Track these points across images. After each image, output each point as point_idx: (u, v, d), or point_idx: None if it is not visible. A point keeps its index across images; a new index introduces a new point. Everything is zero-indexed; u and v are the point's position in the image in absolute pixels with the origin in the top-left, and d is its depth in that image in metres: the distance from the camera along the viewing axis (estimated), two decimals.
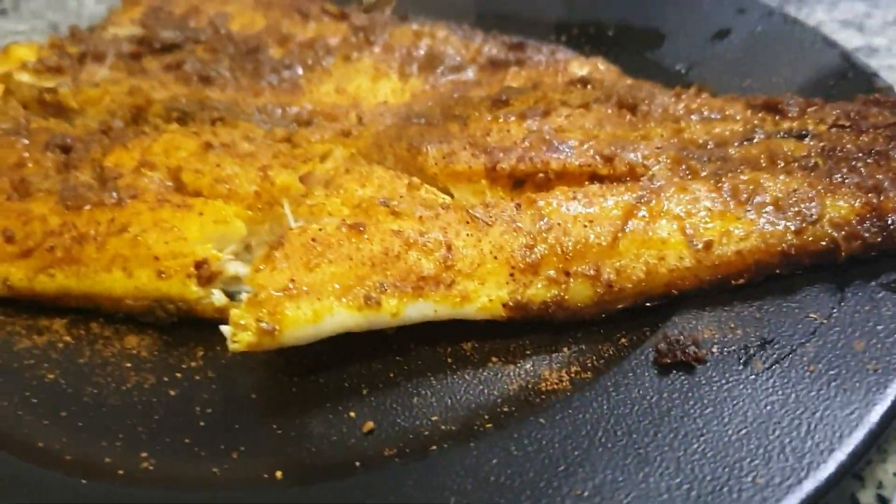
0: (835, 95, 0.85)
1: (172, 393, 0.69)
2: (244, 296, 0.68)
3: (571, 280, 0.67)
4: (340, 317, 0.65)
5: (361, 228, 0.69)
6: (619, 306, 0.68)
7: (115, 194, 0.79)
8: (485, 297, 0.68)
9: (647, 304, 0.69)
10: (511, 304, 0.67)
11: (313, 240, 0.68)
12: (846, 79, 0.88)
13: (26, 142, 0.89)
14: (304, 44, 1.04)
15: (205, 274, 0.73)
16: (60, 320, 0.78)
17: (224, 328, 0.66)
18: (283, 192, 0.78)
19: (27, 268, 0.78)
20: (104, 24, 1.14)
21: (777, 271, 0.68)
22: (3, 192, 0.83)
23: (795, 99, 0.80)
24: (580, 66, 0.93)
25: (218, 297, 0.75)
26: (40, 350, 0.75)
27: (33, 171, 0.85)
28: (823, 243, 0.66)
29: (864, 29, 1.15)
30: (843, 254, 0.66)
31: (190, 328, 0.75)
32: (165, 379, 0.71)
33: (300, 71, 1.00)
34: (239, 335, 0.64)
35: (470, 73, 0.97)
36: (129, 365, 0.73)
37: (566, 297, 0.67)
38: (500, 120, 0.83)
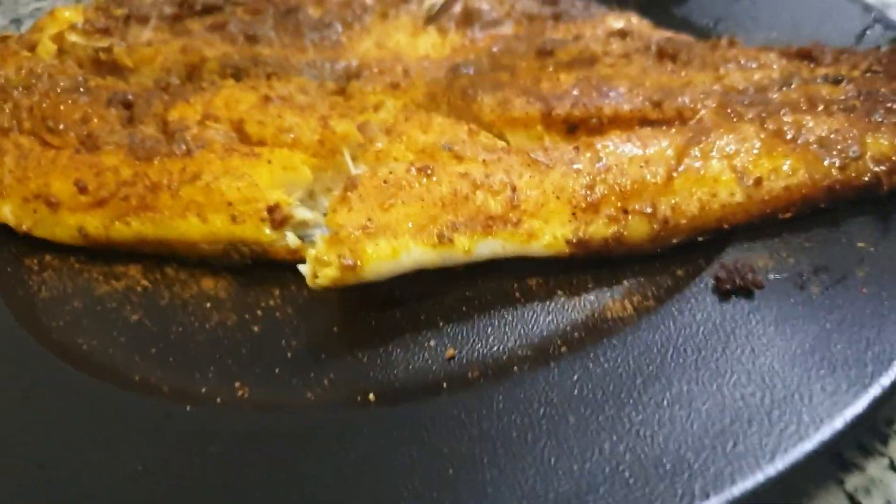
0: (861, 46, 0.90)
1: (256, 329, 0.73)
2: (317, 237, 0.72)
3: (630, 217, 0.72)
4: (416, 253, 0.69)
5: (429, 171, 0.73)
6: (674, 241, 0.73)
7: (183, 145, 0.83)
8: (549, 235, 0.72)
9: (699, 239, 0.73)
10: (574, 240, 0.72)
11: (385, 182, 0.72)
12: (870, 31, 0.92)
13: (87, 99, 0.92)
14: (341, 3, 1.07)
15: (277, 217, 0.77)
16: (135, 266, 0.82)
17: (302, 267, 0.70)
18: (344, 140, 0.81)
19: (102, 216, 0.81)
20: None
21: (822, 205, 0.72)
22: (71, 145, 0.86)
23: (828, 48, 0.85)
24: (616, 20, 0.97)
25: (291, 239, 0.78)
26: (120, 294, 0.79)
27: (99, 126, 0.88)
28: (866, 178, 0.71)
29: None
30: (884, 187, 0.71)
31: (263, 270, 0.79)
32: (247, 317, 0.75)
33: (340, 29, 1.03)
34: (322, 271, 0.68)
35: (507, 28, 1.01)
36: (209, 305, 0.77)
37: (625, 233, 0.72)
38: (549, 70, 0.87)
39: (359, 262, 0.67)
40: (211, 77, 0.95)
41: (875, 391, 0.56)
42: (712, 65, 0.85)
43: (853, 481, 0.60)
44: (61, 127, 0.89)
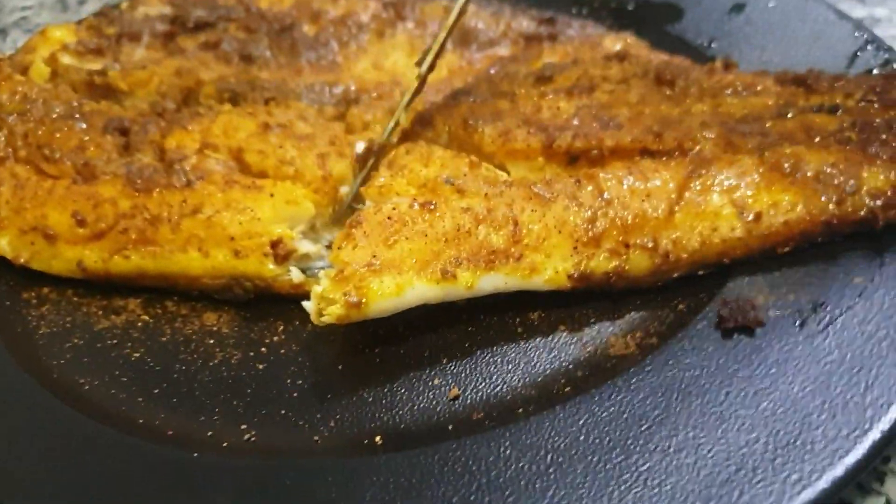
0: (854, 67, 0.91)
1: (260, 367, 0.74)
2: (320, 272, 0.72)
3: (631, 251, 0.72)
4: (420, 289, 0.70)
5: (432, 206, 0.73)
6: (675, 274, 0.74)
7: (183, 176, 0.83)
8: (551, 269, 0.72)
9: (700, 273, 0.74)
10: (575, 275, 0.72)
11: (389, 218, 0.72)
12: (862, 53, 0.93)
13: (83, 125, 0.91)
14: (336, 21, 1.07)
15: (281, 252, 0.77)
16: (135, 300, 0.82)
17: (306, 304, 0.70)
18: (342, 181, 0.82)
19: (101, 250, 0.81)
20: (133, 3, 1.14)
21: (819, 239, 0.73)
22: (68, 175, 0.86)
23: (822, 74, 0.85)
24: (613, 42, 0.97)
25: (295, 273, 0.78)
26: (120, 330, 0.79)
27: (96, 155, 0.87)
28: (862, 213, 0.72)
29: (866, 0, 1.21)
30: (880, 222, 0.72)
31: (266, 304, 0.79)
32: (251, 354, 0.75)
33: (336, 48, 1.03)
34: (328, 309, 0.68)
35: (504, 49, 1.01)
36: (212, 341, 0.77)
37: (626, 267, 0.72)
38: (548, 97, 0.87)
39: (364, 300, 0.68)
40: (207, 101, 0.95)
41: (874, 436, 0.57)
42: (710, 92, 0.85)
43: None
44: (57, 155, 0.88)
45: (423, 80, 0.83)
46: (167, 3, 1.15)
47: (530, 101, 0.87)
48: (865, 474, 0.62)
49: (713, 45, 1.02)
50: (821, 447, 0.57)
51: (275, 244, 0.77)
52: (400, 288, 0.69)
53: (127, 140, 0.90)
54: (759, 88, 0.86)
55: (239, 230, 0.78)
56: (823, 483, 0.55)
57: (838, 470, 0.56)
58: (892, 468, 0.64)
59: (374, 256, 0.69)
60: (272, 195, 0.80)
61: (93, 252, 0.81)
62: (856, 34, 0.96)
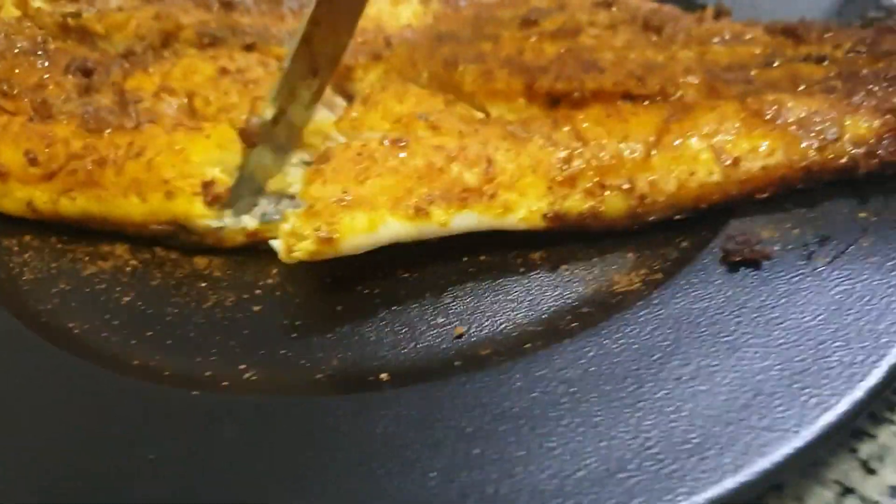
0: (844, 14, 0.91)
1: (256, 308, 0.72)
2: (288, 212, 0.70)
3: (607, 192, 0.71)
4: (393, 226, 0.68)
5: (403, 143, 0.72)
6: (651, 218, 0.73)
7: (134, 118, 0.80)
8: (525, 209, 0.71)
9: (677, 217, 0.73)
10: (550, 215, 0.71)
11: (359, 154, 0.71)
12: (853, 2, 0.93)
13: (46, 63, 0.88)
14: None
15: (210, 192, 0.74)
16: (122, 245, 0.80)
17: (274, 242, 0.69)
18: None
19: (50, 190, 0.79)
20: None
21: (799, 186, 0.73)
22: (25, 112, 0.83)
23: (813, 24, 0.85)
24: None
25: (248, 220, 0.76)
26: (108, 275, 0.77)
27: (54, 93, 0.85)
28: (844, 160, 0.71)
29: None
30: (861, 170, 0.71)
31: (258, 248, 0.77)
32: (245, 296, 0.73)
33: None
34: (299, 245, 0.66)
35: None
36: (204, 284, 0.75)
37: (602, 208, 0.72)
38: (532, 39, 0.86)
39: (336, 235, 0.66)
40: (185, 47, 0.91)
41: (890, 361, 0.57)
42: (697, 39, 0.84)
43: (866, 449, 0.61)
44: (16, 91, 0.86)
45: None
46: None
47: (514, 44, 0.86)
48: (878, 404, 0.62)
49: None
50: (837, 372, 0.57)
51: (206, 185, 0.75)
52: (373, 224, 0.68)
53: (89, 81, 0.87)
54: (747, 37, 0.86)
55: (172, 172, 0.75)
56: (844, 405, 0.55)
57: (857, 393, 0.55)
58: None
59: (345, 192, 0.68)
60: (208, 136, 0.78)
61: (43, 192, 0.79)
62: None
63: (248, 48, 0.89)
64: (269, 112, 0.76)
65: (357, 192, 0.68)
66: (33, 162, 0.78)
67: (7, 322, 0.71)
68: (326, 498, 0.54)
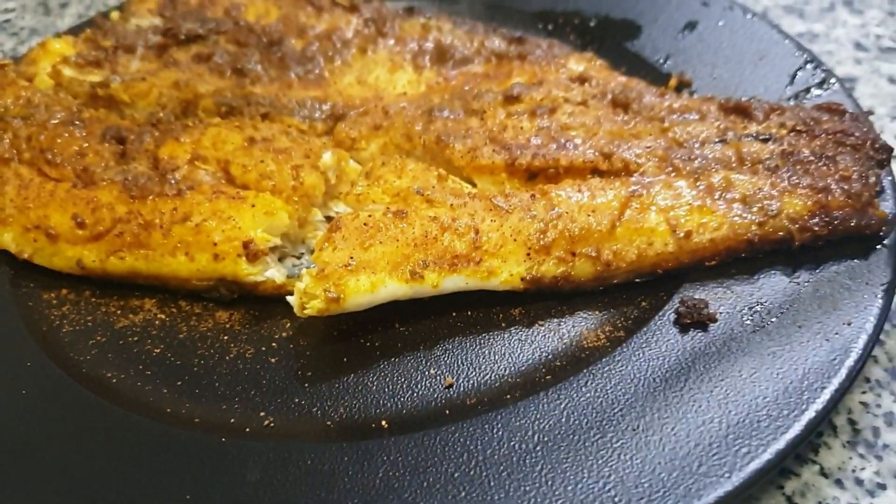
0: (794, 85, 1.03)
1: (273, 360, 0.82)
2: (303, 271, 0.81)
3: (577, 259, 0.82)
4: (392, 287, 0.80)
5: (404, 215, 0.82)
6: (615, 281, 0.84)
7: (174, 186, 0.90)
8: (506, 272, 0.82)
9: (637, 280, 0.84)
10: (528, 277, 0.82)
11: (365, 224, 0.81)
12: (802, 71, 1.04)
13: (83, 132, 0.98)
14: (321, 36, 1.14)
15: (252, 251, 0.85)
16: (150, 300, 0.90)
17: (290, 298, 0.80)
18: (313, 189, 0.91)
19: (98, 250, 0.89)
20: (125, 14, 1.20)
21: (743, 255, 0.83)
22: (69, 179, 0.93)
23: (761, 103, 0.95)
24: (577, 62, 1.06)
25: (276, 274, 0.87)
26: (139, 328, 0.87)
27: (94, 161, 0.94)
28: (781, 234, 0.82)
29: (805, 15, 1.33)
30: (796, 242, 0.82)
31: (272, 303, 0.87)
32: (263, 348, 0.83)
33: (322, 63, 1.11)
34: (310, 303, 0.78)
35: (477, 66, 1.10)
36: (226, 338, 0.85)
37: (572, 273, 0.82)
38: (514, 116, 0.97)
39: (342, 296, 0.77)
40: (205, 114, 1.02)
41: (809, 415, 0.68)
42: (658, 116, 0.95)
43: (791, 486, 0.72)
44: (59, 160, 0.95)
45: None
46: (157, 15, 1.21)
47: (497, 120, 0.96)
48: (803, 446, 0.73)
49: (668, 62, 1.12)
50: (765, 425, 0.68)
51: (246, 244, 0.85)
52: (374, 286, 0.79)
53: (123, 148, 0.97)
54: (703, 113, 0.96)
55: (221, 237, 0.85)
56: (768, 455, 0.66)
57: (780, 443, 0.66)
58: (824, 441, 0.75)
59: (352, 258, 0.79)
60: (253, 206, 0.88)
61: (91, 252, 0.89)
62: (796, 53, 1.07)
63: (263, 117, 0.99)
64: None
65: (361, 257, 0.79)
66: (81, 225, 0.88)
67: (53, 373, 0.81)
68: None
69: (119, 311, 0.89)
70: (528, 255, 0.82)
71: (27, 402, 0.78)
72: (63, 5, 1.56)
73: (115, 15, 1.23)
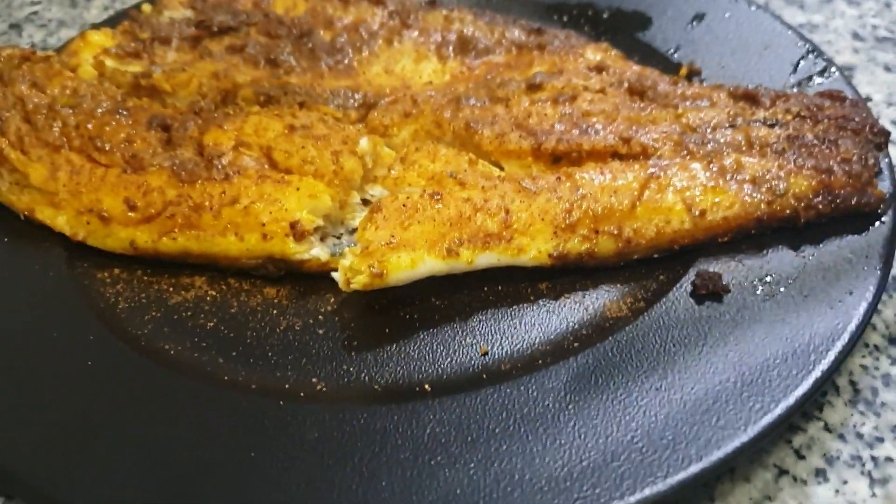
0: (796, 74, 1.09)
1: (321, 332, 0.88)
2: (346, 250, 0.89)
3: (600, 237, 0.89)
4: (430, 264, 0.86)
5: (438, 196, 0.89)
6: (635, 256, 0.90)
7: (221, 170, 0.97)
8: (535, 250, 0.89)
9: (656, 255, 0.91)
10: (555, 254, 0.89)
11: (404, 205, 0.88)
12: (804, 61, 1.11)
13: (128, 120, 1.04)
14: (349, 27, 1.20)
15: (299, 231, 0.91)
16: (200, 278, 0.96)
17: (335, 275, 0.87)
18: (352, 174, 0.97)
19: (150, 232, 0.95)
20: (158, 7, 1.26)
21: (752, 231, 0.90)
22: (118, 165, 0.99)
23: (768, 91, 1.02)
24: (594, 52, 1.13)
25: (321, 253, 0.93)
26: (192, 303, 0.93)
27: (142, 148, 1.01)
28: (788, 212, 0.89)
29: (805, 7, 1.39)
30: (801, 220, 0.89)
31: (316, 279, 0.93)
32: (310, 321, 0.90)
33: (351, 53, 1.17)
34: (356, 278, 0.84)
35: (499, 56, 1.16)
36: (275, 311, 0.91)
37: (596, 249, 0.89)
38: (537, 104, 1.03)
39: (385, 271, 0.84)
40: (246, 104, 1.08)
41: (816, 374, 0.75)
42: (672, 103, 1.01)
43: (798, 440, 0.80)
44: (107, 147, 1.01)
45: None
46: (188, 7, 1.27)
47: (522, 107, 1.03)
48: (809, 404, 0.80)
49: (678, 53, 1.19)
50: (776, 384, 0.75)
51: (293, 225, 0.91)
52: (413, 262, 0.85)
53: (169, 135, 1.03)
54: (714, 100, 1.02)
55: (269, 218, 0.92)
56: (779, 410, 0.73)
57: (790, 400, 0.74)
58: (828, 400, 0.82)
59: (393, 236, 0.86)
60: (298, 189, 0.94)
61: (143, 233, 0.95)
62: (799, 43, 1.14)
63: (300, 105, 1.06)
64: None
65: (402, 236, 0.86)
66: (133, 208, 0.94)
67: (115, 346, 0.87)
68: (391, 487, 0.71)
69: (171, 289, 0.95)
70: (555, 233, 0.88)
71: (94, 373, 0.84)
72: None
73: (146, 7, 1.29)
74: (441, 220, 0.88)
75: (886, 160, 0.94)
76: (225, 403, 0.80)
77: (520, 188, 0.90)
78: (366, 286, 0.85)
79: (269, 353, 0.87)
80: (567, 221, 0.88)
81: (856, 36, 1.33)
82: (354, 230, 0.96)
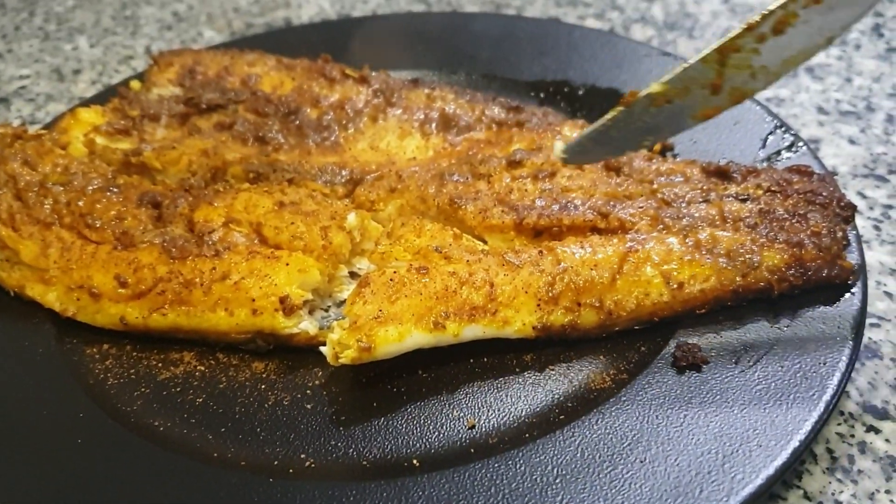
0: (765, 149, 1.14)
1: (309, 406, 0.90)
2: (333, 323, 0.90)
3: (582, 309, 0.91)
4: (417, 337, 0.88)
5: (425, 271, 0.91)
6: (616, 328, 0.93)
7: (211, 247, 0.99)
8: (519, 322, 0.91)
9: (636, 328, 0.93)
10: (538, 326, 0.91)
11: (391, 280, 0.90)
12: (772, 136, 1.16)
13: (119, 197, 1.06)
14: (335, 105, 1.24)
15: (288, 305, 0.93)
16: (189, 353, 0.97)
17: (323, 349, 0.88)
18: (340, 248, 0.99)
19: (141, 308, 0.96)
20: (147, 84, 1.29)
21: (728, 303, 0.93)
22: (109, 242, 1.01)
23: (739, 166, 1.06)
24: (570, 129, 1.17)
25: (310, 326, 0.95)
26: (181, 379, 0.94)
27: (133, 225, 1.03)
28: (762, 284, 0.92)
29: None
30: (775, 292, 0.92)
31: (304, 353, 0.95)
32: (298, 395, 0.91)
33: (337, 130, 1.20)
34: (344, 353, 0.86)
35: (479, 133, 1.20)
36: (263, 387, 0.92)
37: (578, 321, 0.92)
38: (518, 180, 1.06)
39: (373, 345, 0.86)
40: (236, 181, 1.10)
41: (794, 444, 0.77)
42: (647, 179, 1.05)
43: None
44: (98, 224, 1.03)
45: None
46: (177, 85, 1.30)
47: (503, 183, 1.06)
48: (788, 473, 0.82)
49: None
50: (756, 454, 0.77)
51: (283, 300, 0.93)
52: (401, 336, 0.87)
53: (159, 212, 1.06)
54: (687, 175, 1.06)
55: (259, 293, 0.94)
56: (760, 480, 0.75)
57: (770, 469, 0.75)
58: (806, 468, 0.84)
59: (380, 310, 0.87)
60: (287, 264, 0.96)
61: (134, 309, 0.97)
62: (767, 118, 1.19)
63: (289, 182, 1.08)
64: None
65: (389, 310, 0.88)
66: (123, 284, 0.96)
67: (105, 423, 0.88)
68: None
69: (160, 364, 0.96)
70: (539, 305, 0.91)
71: (84, 451, 0.85)
72: (76, 72, 1.64)
73: (135, 85, 1.32)
74: (427, 293, 0.90)
75: (854, 233, 0.98)
76: (215, 480, 0.81)
77: (503, 261, 0.93)
78: (354, 360, 0.86)
79: (258, 429, 0.88)
80: (550, 294, 0.91)
81: (820, 110, 1.39)
82: (342, 303, 0.99)
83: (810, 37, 0.80)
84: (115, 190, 1.07)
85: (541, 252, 0.94)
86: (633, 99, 0.88)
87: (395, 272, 0.91)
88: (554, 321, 0.91)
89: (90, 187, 1.07)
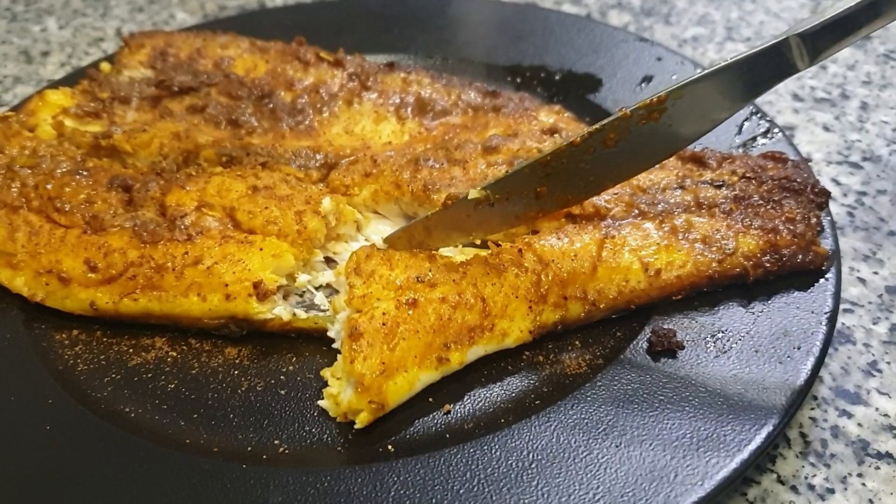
0: (741, 135, 1.14)
1: (282, 392, 0.89)
2: (327, 371, 0.88)
3: (568, 302, 0.91)
4: (424, 378, 0.85)
5: (414, 303, 0.86)
6: (596, 318, 0.93)
7: (184, 231, 0.97)
8: (516, 331, 0.89)
9: (614, 316, 0.93)
10: (534, 329, 0.89)
11: (383, 324, 0.85)
12: (748, 122, 1.16)
13: (88, 181, 1.04)
14: (309, 89, 1.23)
15: (262, 290, 0.91)
16: (160, 338, 0.96)
17: (321, 403, 0.86)
18: (315, 233, 0.98)
19: (111, 293, 0.95)
20: (117, 66, 1.27)
21: (705, 289, 0.93)
22: (79, 226, 0.99)
23: (714, 153, 1.06)
24: (547, 115, 1.16)
25: (284, 312, 0.94)
26: (152, 365, 0.93)
27: (103, 209, 1.01)
28: (737, 270, 0.93)
29: None
30: (751, 278, 0.93)
31: (277, 339, 0.94)
32: (272, 381, 0.90)
33: (311, 114, 1.19)
34: (359, 416, 0.82)
35: (455, 117, 1.19)
36: (236, 372, 0.91)
37: (566, 315, 0.91)
38: (494, 166, 1.05)
39: (385, 403, 0.83)
40: (208, 165, 1.09)
41: (768, 428, 0.78)
42: None
43: (752, 492, 0.82)
44: (67, 207, 1.01)
45: None
46: (148, 67, 1.28)
47: (479, 170, 1.05)
48: (762, 457, 0.82)
49: None
50: (731, 438, 0.77)
51: (256, 285, 0.91)
52: (410, 384, 0.84)
53: (130, 196, 1.04)
54: (662, 162, 1.06)
55: (232, 278, 0.92)
56: (734, 464, 0.75)
57: (744, 454, 0.76)
58: (780, 452, 0.85)
59: (384, 363, 0.83)
60: (261, 249, 0.95)
61: (104, 294, 0.95)
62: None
63: (262, 166, 1.07)
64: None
65: (391, 359, 0.83)
66: (93, 269, 0.94)
67: (74, 410, 0.86)
68: None
69: (131, 350, 0.94)
70: (530, 307, 0.89)
71: (53, 438, 0.83)
72: (44, 53, 1.61)
73: (105, 67, 1.30)
74: (424, 329, 0.85)
75: (828, 218, 0.98)
76: (187, 467, 0.80)
77: (487, 269, 0.90)
78: (369, 421, 0.83)
79: (231, 415, 0.87)
80: (538, 293, 0.90)
81: (795, 97, 1.40)
82: (318, 287, 0.97)
83: (650, 149, 0.87)
84: (85, 173, 1.05)
85: (520, 251, 0.93)
86: (452, 202, 0.91)
87: (384, 314, 0.86)
88: (546, 320, 0.90)
89: (59, 170, 1.05)
